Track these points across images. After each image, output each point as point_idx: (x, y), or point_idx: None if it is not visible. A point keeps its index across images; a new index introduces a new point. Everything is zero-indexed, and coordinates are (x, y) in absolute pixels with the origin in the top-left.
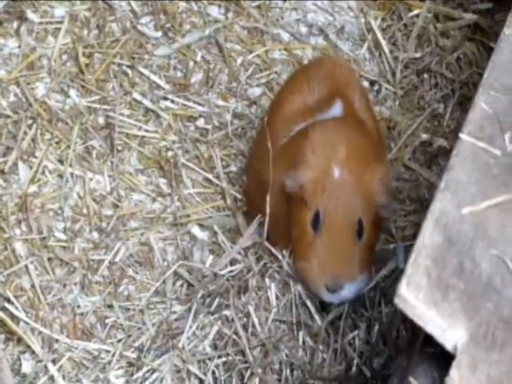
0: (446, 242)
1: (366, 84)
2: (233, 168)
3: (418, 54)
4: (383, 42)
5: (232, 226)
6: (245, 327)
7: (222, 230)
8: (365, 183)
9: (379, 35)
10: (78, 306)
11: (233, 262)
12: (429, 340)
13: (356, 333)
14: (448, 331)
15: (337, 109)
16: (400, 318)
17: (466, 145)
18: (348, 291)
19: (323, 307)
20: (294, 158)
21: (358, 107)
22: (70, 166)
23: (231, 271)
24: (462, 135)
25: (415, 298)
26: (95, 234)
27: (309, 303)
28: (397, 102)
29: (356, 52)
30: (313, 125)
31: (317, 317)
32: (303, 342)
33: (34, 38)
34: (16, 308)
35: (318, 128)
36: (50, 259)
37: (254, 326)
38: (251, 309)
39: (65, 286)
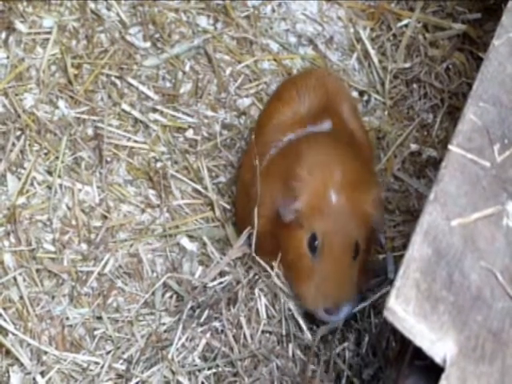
0: (435, 255)
1: (355, 94)
2: (222, 179)
3: (407, 64)
4: (372, 52)
5: (221, 236)
6: (235, 338)
7: (211, 241)
8: (360, 206)
9: (368, 45)
10: (67, 318)
11: (222, 274)
12: (418, 352)
13: (346, 344)
14: (437, 344)
15: (328, 123)
16: (389, 329)
17: (455, 156)
18: (344, 311)
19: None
20: (288, 182)
21: (348, 118)
22: (59, 177)
23: (221, 283)
24: (451, 147)
25: (404, 311)
26: (84, 246)
27: (299, 319)
28: (386, 112)
29: (345, 62)
30: (305, 143)
31: (307, 330)
32: (293, 354)
33: (23, 49)
34: (4, 320)
35: (311, 149)
36: (38, 271)
37: (244, 337)
38: (243, 320)
39: (53, 297)
